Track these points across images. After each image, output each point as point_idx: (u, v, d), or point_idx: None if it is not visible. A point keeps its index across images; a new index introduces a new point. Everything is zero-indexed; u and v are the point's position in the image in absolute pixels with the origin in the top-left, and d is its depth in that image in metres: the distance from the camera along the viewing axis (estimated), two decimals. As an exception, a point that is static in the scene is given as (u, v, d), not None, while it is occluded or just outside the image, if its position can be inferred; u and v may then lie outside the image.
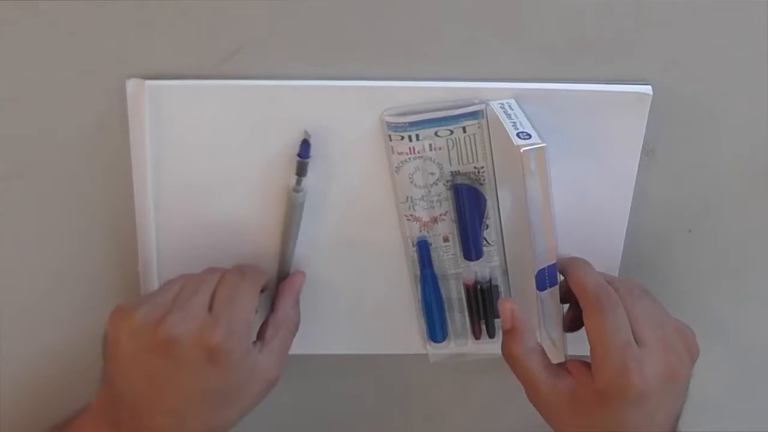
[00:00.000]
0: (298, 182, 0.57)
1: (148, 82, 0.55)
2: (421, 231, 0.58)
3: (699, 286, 0.64)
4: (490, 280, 0.60)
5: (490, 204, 0.57)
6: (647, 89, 0.56)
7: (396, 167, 0.57)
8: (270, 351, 0.56)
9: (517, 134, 0.52)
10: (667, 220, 0.61)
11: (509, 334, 0.55)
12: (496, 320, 0.61)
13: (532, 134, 0.52)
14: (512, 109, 0.54)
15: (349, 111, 0.56)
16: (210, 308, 0.54)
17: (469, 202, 0.57)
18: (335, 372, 0.65)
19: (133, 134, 0.56)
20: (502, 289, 0.60)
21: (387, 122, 0.55)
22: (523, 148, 0.51)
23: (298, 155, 0.56)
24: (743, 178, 0.60)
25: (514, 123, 0.53)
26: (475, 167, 0.56)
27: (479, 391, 0.68)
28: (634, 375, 0.51)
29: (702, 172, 0.60)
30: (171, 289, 0.55)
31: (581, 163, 0.57)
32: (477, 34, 0.55)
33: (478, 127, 0.55)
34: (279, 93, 0.56)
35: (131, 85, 0.55)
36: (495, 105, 0.55)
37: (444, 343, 0.62)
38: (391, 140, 0.56)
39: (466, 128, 0.55)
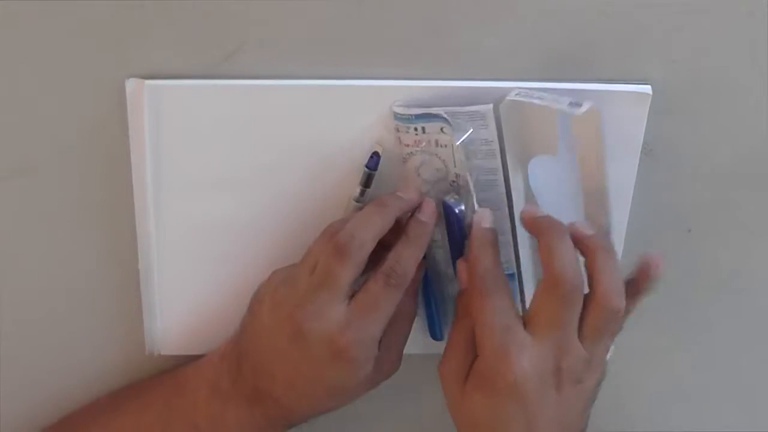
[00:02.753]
0: (362, 193, 0.57)
1: (148, 82, 0.55)
2: None
3: (699, 286, 0.64)
4: None
5: (499, 210, 0.57)
6: (647, 89, 0.56)
7: (403, 158, 0.57)
8: (388, 347, 0.55)
9: (569, 104, 0.52)
10: (667, 220, 0.61)
11: (465, 291, 0.54)
12: None
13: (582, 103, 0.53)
14: (535, 92, 0.54)
15: (349, 111, 0.56)
16: (349, 298, 0.52)
17: (456, 224, 0.56)
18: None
19: (132, 134, 0.56)
20: None
21: (395, 112, 0.55)
22: (586, 110, 0.52)
23: (367, 166, 0.56)
24: (743, 178, 0.60)
25: (555, 98, 0.53)
26: (477, 178, 0.56)
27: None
28: (513, 360, 0.49)
29: (702, 172, 0.60)
30: (313, 254, 0.53)
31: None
32: (475, 33, 0.55)
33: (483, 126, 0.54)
34: (279, 93, 0.56)
35: (131, 85, 0.55)
36: (513, 97, 0.54)
37: (443, 342, 0.62)
38: (398, 131, 0.56)
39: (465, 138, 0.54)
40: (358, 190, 0.57)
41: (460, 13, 0.54)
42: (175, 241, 0.59)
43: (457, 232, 0.56)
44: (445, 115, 0.54)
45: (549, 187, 0.56)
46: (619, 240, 0.60)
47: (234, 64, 0.55)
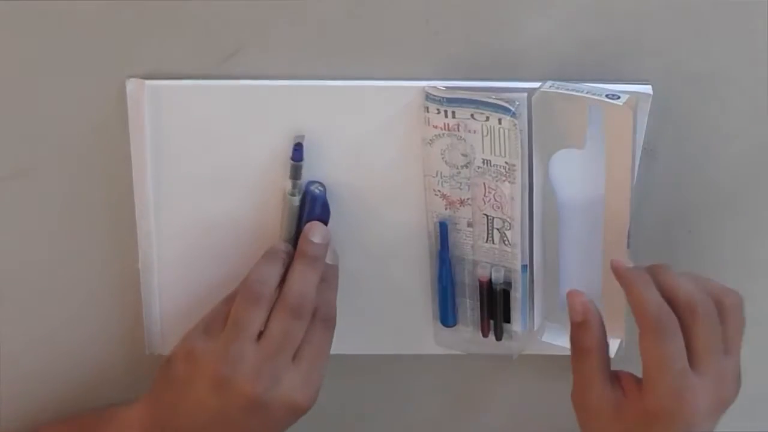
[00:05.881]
0: (294, 185, 0.57)
1: (148, 82, 0.55)
2: (446, 209, 0.58)
3: (699, 287, 0.64)
4: (504, 282, 0.59)
5: (518, 203, 0.57)
6: (647, 89, 0.56)
7: (429, 140, 0.56)
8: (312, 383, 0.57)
9: (607, 95, 0.53)
10: (667, 220, 0.61)
11: (581, 326, 0.55)
12: (505, 324, 0.61)
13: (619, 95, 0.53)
14: (569, 84, 0.55)
15: (349, 111, 0.56)
16: (294, 357, 0.55)
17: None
18: (338, 370, 0.65)
19: (133, 134, 0.56)
20: (517, 295, 0.59)
21: (427, 93, 0.55)
22: (624, 102, 0.52)
23: (292, 159, 0.56)
24: (743, 178, 0.60)
25: (591, 90, 0.54)
26: (506, 162, 0.55)
27: (484, 392, 0.68)
28: (688, 404, 0.53)
29: (702, 172, 0.60)
30: (250, 324, 0.54)
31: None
32: (477, 34, 0.55)
33: (513, 125, 0.54)
34: (279, 93, 0.56)
35: (131, 85, 0.55)
36: (546, 90, 0.54)
37: (453, 329, 0.62)
38: (428, 112, 0.56)
39: (501, 120, 0.54)
40: (289, 183, 0.57)
41: (458, 14, 0.54)
42: (175, 240, 0.59)
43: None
44: (483, 99, 0.54)
45: (571, 182, 0.57)
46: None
47: (234, 65, 0.55)
